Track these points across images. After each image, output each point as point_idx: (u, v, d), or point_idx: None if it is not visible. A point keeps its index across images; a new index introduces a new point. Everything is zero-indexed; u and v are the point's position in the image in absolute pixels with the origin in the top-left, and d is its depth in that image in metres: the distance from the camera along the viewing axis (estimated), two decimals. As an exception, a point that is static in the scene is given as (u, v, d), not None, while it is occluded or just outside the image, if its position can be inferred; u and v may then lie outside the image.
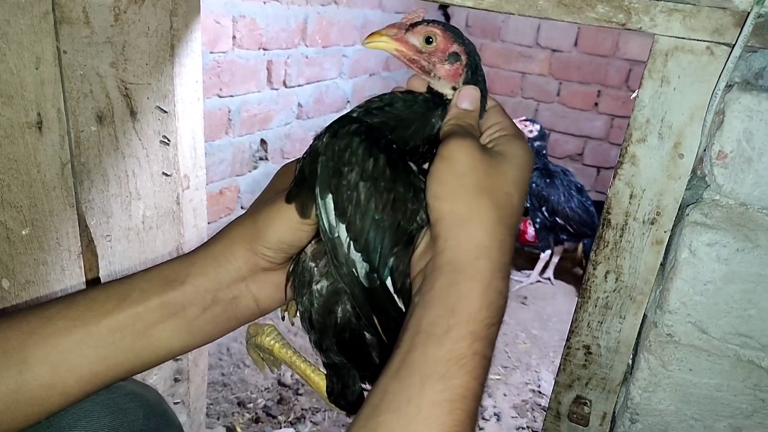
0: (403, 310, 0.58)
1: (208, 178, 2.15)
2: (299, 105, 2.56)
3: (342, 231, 0.55)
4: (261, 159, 2.43)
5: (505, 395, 1.95)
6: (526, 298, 2.58)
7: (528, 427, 1.81)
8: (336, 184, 0.54)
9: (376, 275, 0.56)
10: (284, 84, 2.41)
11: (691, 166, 0.78)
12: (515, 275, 2.82)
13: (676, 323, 0.79)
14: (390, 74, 3.27)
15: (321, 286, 0.63)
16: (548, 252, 2.67)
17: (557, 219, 2.54)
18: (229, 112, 2.16)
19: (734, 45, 0.68)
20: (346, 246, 0.55)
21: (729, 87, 0.71)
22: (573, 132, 3.67)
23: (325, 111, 2.74)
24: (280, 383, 1.87)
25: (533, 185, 2.56)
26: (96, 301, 0.59)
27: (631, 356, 0.89)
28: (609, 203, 0.84)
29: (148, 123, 1.00)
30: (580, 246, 2.97)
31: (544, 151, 2.65)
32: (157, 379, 1.18)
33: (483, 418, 1.83)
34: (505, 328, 2.34)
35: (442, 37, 0.64)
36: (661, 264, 0.83)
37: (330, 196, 0.54)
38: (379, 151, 0.55)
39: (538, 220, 2.60)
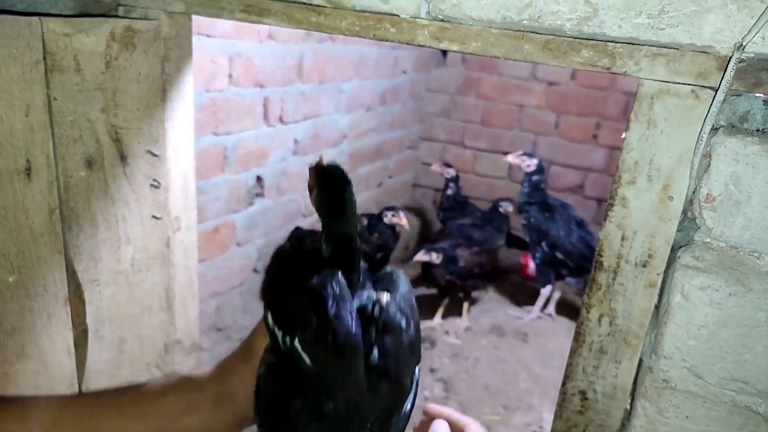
0: None
1: (202, 215, 2.15)
2: (296, 141, 2.57)
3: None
4: (257, 195, 2.43)
5: (506, 436, 1.91)
6: (527, 335, 2.55)
7: (530, 470, 1.76)
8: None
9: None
10: (281, 120, 2.43)
11: (681, 208, 0.77)
12: (516, 311, 2.79)
13: (671, 368, 0.77)
14: (386, 108, 3.30)
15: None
16: (549, 287, 2.64)
17: (557, 254, 2.53)
18: (225, 149, 2.17)
19: (718, 89, 0.68)
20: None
21: (715, 130, 0.71)
22: (573, 164, 3.69)
23: (321, 146, 2.76)
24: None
25: (532, 219, 2.56)
26: None
27: (629, 402, 0.87)
28: (601, 245, 0.83)
29: (138, 167, 1.00)
30: None
31: (542, 185, 2.65)
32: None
33: (483, 461, 1.78)
34: (506, 367, 2.30)
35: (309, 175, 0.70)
36: (655, 307, 0.81)
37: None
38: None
39: (538, 254, 2.59)
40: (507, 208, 2.94)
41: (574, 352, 0.89)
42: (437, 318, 2.69)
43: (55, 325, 0.92)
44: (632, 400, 0.86)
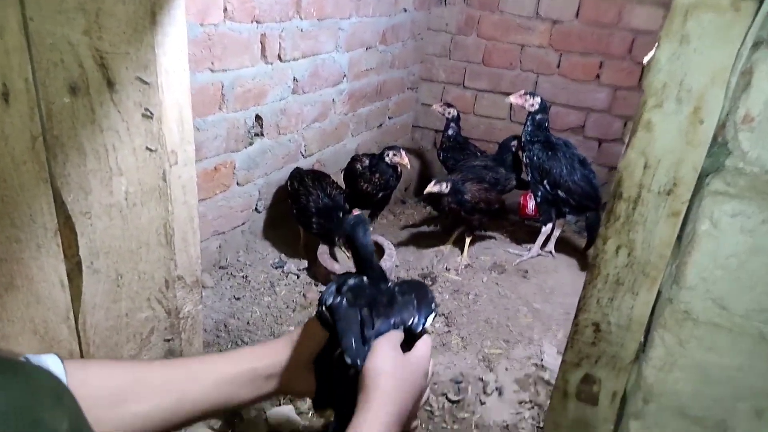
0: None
1: (202, 154, 2.09)
2: (295, 80, 2.48)
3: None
4: (256, 135, 2.36)
5: (507, 369, 1.92)
6: (527, 272, 2.54)
7: (531, 401, 1.78)
8: None
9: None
10: (279, 58, 2.34)
11: (711, 132, 0.72)
12: (516, 249, 2.78)
13: (694, 299, 0.74)
14: (387, 48, 3.18)
15: None
16: (549, 225, 2.62)
17: (559, 192, 2.49)
18: (222, 87, 2.09)
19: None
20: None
21: (756, 46, 0.65)
22: (574, 104, 3.59)
23: (321, 85, 2.67)
24: (279, 362, 1.84)
25: (535, 158, 2.50)
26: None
27: (644, 334, 0.85)
28: (621, 174, 0.79)
29: (127, 95, 0.94)
30: None
31: (546, 124, 2.59)
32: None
33: (485, 393, 1.80)
34: (507, 303, 2.30)
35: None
36: (677, 237, 0.78)
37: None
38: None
39: (539, 193, 2.55)
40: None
41: (588, 284, 0.86)
42: (449, 245, 2.69)
43: (45, 256, 0.89)
44: (648, 332, 0.84)
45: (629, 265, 0.82)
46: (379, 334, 0.88)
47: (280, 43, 2.30)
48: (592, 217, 2.58)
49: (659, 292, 0.82)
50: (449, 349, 2.01)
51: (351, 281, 0.95)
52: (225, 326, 1.98)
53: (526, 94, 2.57)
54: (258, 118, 2.33)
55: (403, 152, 2.40)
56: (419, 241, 2.79)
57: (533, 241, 2.79)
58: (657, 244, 0.79)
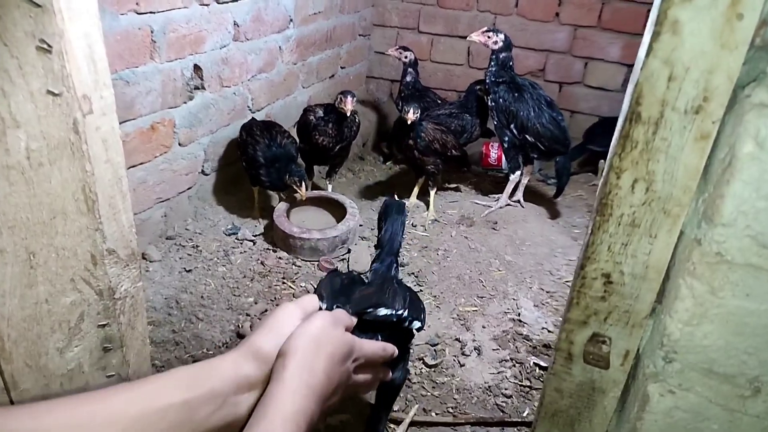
0: None
1: (134, 111, 1.86)
2: (235, 24, 2.24)
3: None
4: (196, 88, 2.13)
5: (483, 327, 1.82)
6: (496, 223, 2.43)
7: (512, 359, 1.69)
8: None
9: None
10: (215, -1, 2.09)
11: (752, 30, 0.58)
12: (483, 200, 2.67)
13: (729, 238, 0.62)
14: (336, -12, 2.94)
15: None
16: (517, 173, 2.51)
17: (527, 136, 2.36)
18: (152, 32, 1.85)
19: None
20: None
21: None
22: (533, 46, 3.46)
23: (265, 31, 2.43)
24: (239, 335, 1.69)
25: (501, 100, 2.36)
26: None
27: (661, 283, 0.74)
28: (639, 91, 0.64)
29: (13, 20, 0.73)
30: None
31: (510, 63, 2.44)
32: (79, 351, 0.97)
33: (463, 354, 1.70)
34: (478, 256, 2.20)
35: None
36: (705, 166, 0.65)
37: None
38: None
39: (506, 138, 2.42)
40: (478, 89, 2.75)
41: (597, 228, 0.73)
42: (413, 198, 2.57)
43: (-74, 237, 0.69)
44: (666, 280, 0.73)
45: (647, 203, 0.69)
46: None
47: (215, -18, 2.05)
48: (561, 161, 2.48)
49: (681, 233, 0.70)
50: (422, 309, 1.89)
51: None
52: (177, 302, 1.80)
53: (488, 31, 2.40)
54: (197, 68, 2.09)
55: (349, 98, 2.20)
56: (383, 197, 2.64)
57: (500, 191, 2.68)
58: (681, 175, 0.66)
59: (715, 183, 0.63)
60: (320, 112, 2.32)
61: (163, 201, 2.09)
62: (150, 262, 1.97)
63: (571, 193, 2.86)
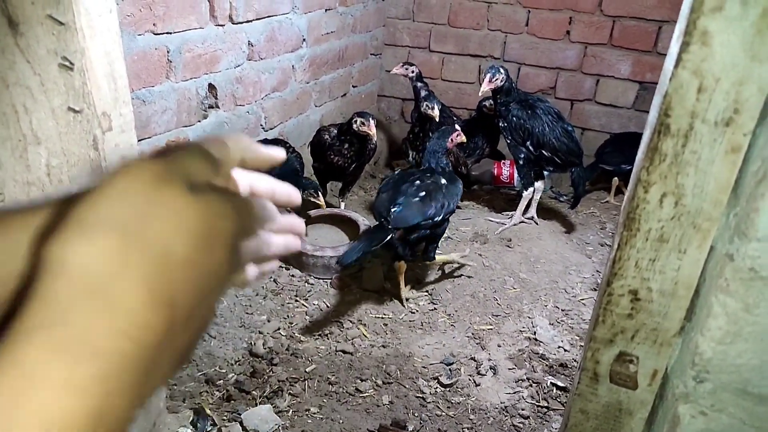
0: None
1: (149, 130, 1.87)
2: (250, 44, 2.26)
3: None
4: (211, 107, 2.15)
5: (499, 346, 1.80)
6: (510, 240, 2.41)
7: (528, 379, 1.66)
8: None
9: None
10: (230, 19, 2.11)
11: (784, 41, 0.58)
12: (496, 217, 2.65)
13: (764, 254, 0.60)
14: (347, 9, 2.97)
15: None
16: (531, 189, 2.49)
17: (543, 152, 2.35)
18: (168, 52, 1.87)
19: None
20: None
21: None
22: (544, 64, 3.46)
23: (279, 50, 2.46)
24: (252, 354, 1.67)
25: (514, 119, 2.35)
26: None
27: (691, 300, 0.72)
28: (667, 103, 0.63)
29: (36, 38, 0.74)
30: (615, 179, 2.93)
31: (514, 86, 2.45)
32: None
33: (479, 373, 1.67)
34: (492, 274, 2.17)
35: None
36: (736, 179, 0.64)
37: None
38: None
39: (522, 156, 2.40)
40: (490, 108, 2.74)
41: (624, 244, 0.72)
42: None
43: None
44: (696, 297, 0.71)
45: (676, 217, 0.68)
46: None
47: (230, 2, 2.08)
48: (576, 171, 2.46)
49: (712, 248, 0.68)
50: (436, 328, 1.87)
51: None
52: (189, 319, 1.79)
53: (493, 76, 2.35)
54: (211, 87, 2.11)
55: (371, 120, 2.21)
56: (394, 214, 2.63)
57: (513, 208, 2.66)
58: (711, 189, 0.65)
59: (748, 197, 0.61)
60: (334, 132, 2.33)
61: (176, 219, 2.09)
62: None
63: (584, 211, 2.84)
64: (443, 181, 1.94)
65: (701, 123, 0.62)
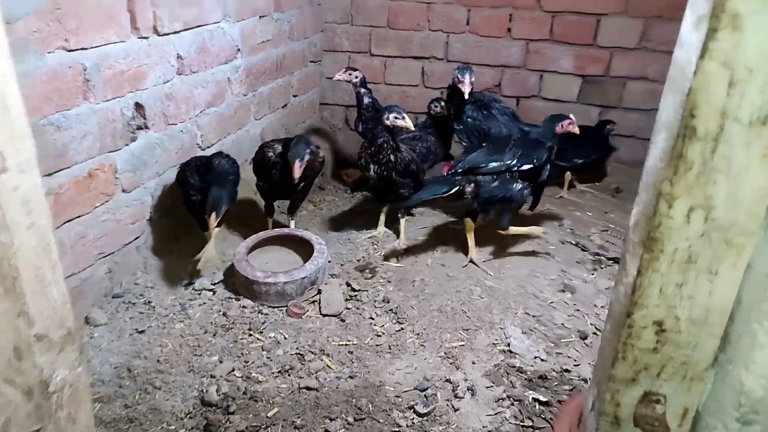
0: None
1: (68, 158, 1.66)
2: (179, 57, 2.08)
3: None
4: (139, 128, 1.95)
5: (474, 363, 1.69)
6: (472, 247, 2.31)
7: (509, 397, 1.56)
8: None
9: None
10: (155, 31, 1.93)
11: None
12: (456, 223, 2.54)
13: (823, 274, 0.51)
14: (282, 15, 2.82)
15: None
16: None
17: (501, 153, 2.27)
18: (85, 70, 1.66)
19: None
20: None
21: None
22: (488, 62, 3.41)
23: (212, 62, 2.27)
24: (205, 403, 1.49)
25: (470, 120, 2.27)
26: None
27: (725, 328, 0.62)
28: (692, 101, 0.53)
29: None
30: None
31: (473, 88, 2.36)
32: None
33: (456, 396, 1.55)
34: (457, 284, 2.07)
35: None
36: (776, 185, 0.54)
37: None
38: None
39: (479, 158, 2.31)
40: (436, 109, 2.64)
41: (646, 268, 0.61)
42: (381, 227, 2.45)
43: None
44: (730, 324, 0.61)
45: (706, 234, 0.57)
46: None
47: (154, 12, 1.89)
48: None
49: (749, 267, 0.58)
50: (406, 350, 1.74)
51: None
52: (129, 370, 1.59)
53: (467, 74, 2.25)
54: (139, 106, 1.91)
55: (298, 162, 2.00)
56: (349, 229, 2.49)
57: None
58: (747, 199, 0.55)
59: (798, 207, 0.51)
60: (279, 148, 2.16)
61: (106, 255, 1.88)
62: (95, 326, 1.75)
63: (540, 209, 2.78)
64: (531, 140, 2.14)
65: (733, 123, 0.52)
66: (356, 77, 2.80)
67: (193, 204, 1.98)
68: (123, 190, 1.91)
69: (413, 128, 2.15)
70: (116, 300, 1.88)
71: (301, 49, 3.13)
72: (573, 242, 2.45)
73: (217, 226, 1.91)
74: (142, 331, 1.75)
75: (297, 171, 1.99)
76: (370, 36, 3.44)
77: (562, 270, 2.20)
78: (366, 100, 2.84)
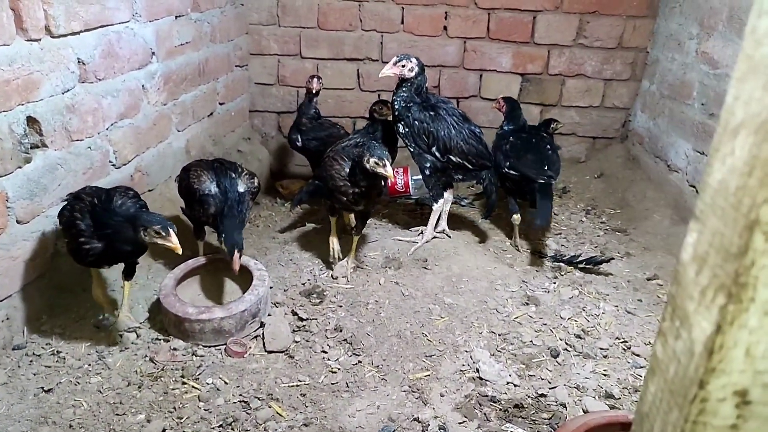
0: None
1: (-59, 188, 1.35)
2: (80, 62, 1.79)
3: None
4: (35, 147, 1.65)
5: (442, 396, 1.51)
6: (426, 261, 2.14)
7: (484, 433, 1.39)
8: None
9: None
10: (48, 32, 1.64)
11: None
12: (406, 235, 2.37)
13: None
14: (201, 16, 2.56)
15: None
16: (441, 201, 2.24)
17: (451, 157, 2.11)
18: (-43, 80, 1.36)
19: None
20: None
21: None
22: (425, 62, 3.20)
23: (122, 68, 1.99)
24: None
25: (416, 123, 2.09)
26: None
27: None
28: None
29: None
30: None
31: (425, 86, 2.20)
32: None
33: (426, 438, 1.37)
34: (414, 304, 1.89)
35: None
36: None
37: None
38: None
39: (428, 165, 2.14)
40: (381, 111, 2.48)
41: (729, 324, 0.44)
42: (334, 238, 2.17)
43: None
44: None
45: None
46: None
47: (45, 10, 1.60)
48: (488, 177, 2.25)
49: None
50: (365, 386, 1.54)
51: None
52: (35, 440, 1.31)
53: (400, 61, 2.13)
54: (32, 121, 1.61)
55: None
56: (290, 248, 2.26)
57: (417, 221, 2.41)
58: None
59: None
60: (207, 182, 1.87)
61: (2, 300, 1.57)
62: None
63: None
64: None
65: None
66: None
67: (85, 255, 1.55)
68: (18, 222, 1.61)
69: (392, 178, 1.89)
70: (17, 353, 1.58)
71: (226, 52, 2.87)
72: (528, 249, 2.34)
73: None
74: (49, 390, 1.47)
75: (236, 264, 1.74)
76: (300, 37, 3.22)
77: (522, 280, 2.07)
78: (312, 111, 2.65)
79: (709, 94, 2.44)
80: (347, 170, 1.94)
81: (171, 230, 1.48)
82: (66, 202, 1.63)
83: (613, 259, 2.21)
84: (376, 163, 1.78)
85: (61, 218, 1.61)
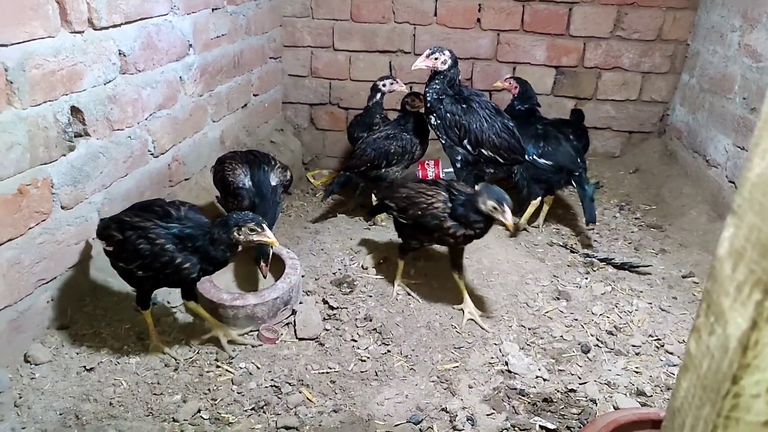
0: None
1: (-8, 175, 1.42)
2: (121, 54, 1.84)
3: None
4: (78, 135, 1.71)
5: (470, 387, 1.52)
6: (455, 252, 2.15)
7: (513, 426, 1.40)
8: None
9: None
10: (91, 24, 1.69)
11: None
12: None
13: None
14: (237, 9, 2.59)
15: None
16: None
17: (483, 150, 2.11)
18: (6, 71, 1.42)
19: None
20: None
21: None
22: (458, 55, 3.18)
23: (160, 60, 2.04)
24: (168, 453, 1.28)
25: (448, 115, 2.09)
26: None
27: None
28: None
29: None
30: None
31: (458, 78, 2.20)
32: None
33: (455, 429, 1.39)
34: (441, 295, 1.90)
35: None
36: None
37: None
38: None
39: (459, 157, 2.14)
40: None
41: (765, 320, 0.45)
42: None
43: None
44: None
45: None
46: None
47: (88, 3, 1.65)
48: (520, 172, 2.24)
49: None
50: (394, 375, 1.56)
51: None
52: (76, 416, 1.37)
53: (433, 53, 2.14)
54: (75, 111, 1.67)
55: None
56: (322, 238, 2.29)
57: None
58: None
59: None
60: (241, 176, 1.94)
61: (47, 282, 1.64)
62: (35, 365, 1.52)
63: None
64: None
65: None
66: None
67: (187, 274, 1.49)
68: (62, 207, 1.67)
69: (511, 229, 1.65)
70: (61, 333, 1.65)
71: (260, 44, 2.91)
72: (561, 244, 2.32)
73: None
74: (91, 369, 1.53)
75: (264, 270, 1.84)
76: (333, 30, 3.24)
77: (553, 275, 2.06)
78: (382, 110, 2.72)
79: (751, 87, 2.37)
80: (447, 205, 1.69)
81: (264, 225, 1.46)
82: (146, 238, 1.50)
83: (650, 266, 2.14)
84: (495, 209, 1.57)
85: (162, 256, 1.47)
